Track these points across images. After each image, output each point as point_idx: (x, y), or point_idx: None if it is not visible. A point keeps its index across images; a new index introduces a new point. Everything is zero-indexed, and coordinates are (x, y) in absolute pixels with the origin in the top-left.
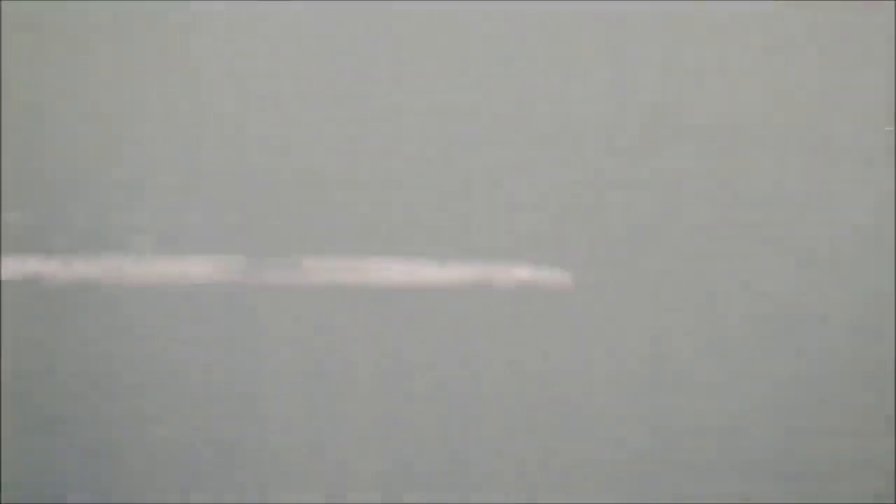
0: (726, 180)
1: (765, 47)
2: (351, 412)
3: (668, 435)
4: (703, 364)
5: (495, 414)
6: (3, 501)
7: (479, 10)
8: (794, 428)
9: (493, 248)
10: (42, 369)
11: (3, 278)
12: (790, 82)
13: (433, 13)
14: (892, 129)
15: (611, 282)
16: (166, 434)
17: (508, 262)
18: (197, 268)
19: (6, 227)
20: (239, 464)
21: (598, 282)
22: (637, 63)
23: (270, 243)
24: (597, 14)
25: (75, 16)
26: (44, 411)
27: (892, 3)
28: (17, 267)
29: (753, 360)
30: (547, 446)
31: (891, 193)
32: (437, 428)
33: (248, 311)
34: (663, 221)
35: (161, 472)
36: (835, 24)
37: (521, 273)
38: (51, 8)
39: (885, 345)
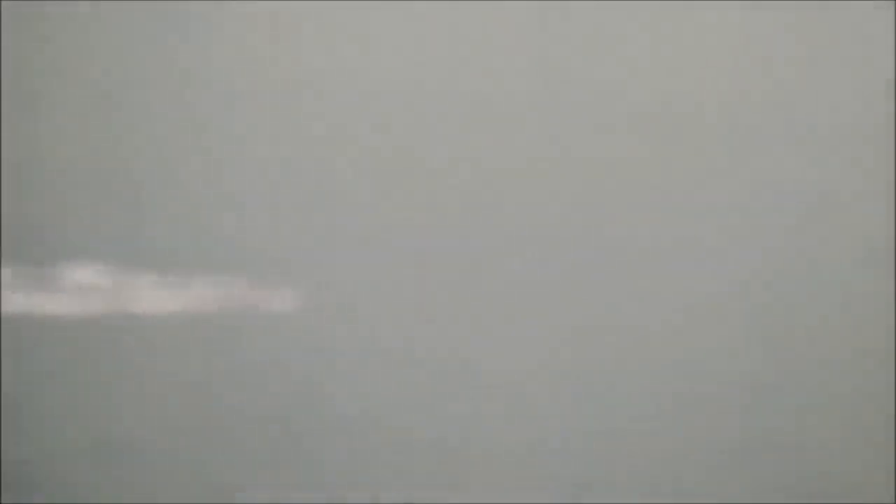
0: (723, 178)
1: (763, 46)
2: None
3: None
4: (698, 362)
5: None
6: (3, 501)
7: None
8: (795, 428)
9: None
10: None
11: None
12: (789, 82)
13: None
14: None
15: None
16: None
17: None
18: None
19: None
20: None
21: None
22: (628, 56)
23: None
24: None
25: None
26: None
27: (892, 2)
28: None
29: (748, 358)
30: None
31: (890, 192)
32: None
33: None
34: (657, 217)
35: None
36: (834, 23)
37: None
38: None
39: (885, 345)
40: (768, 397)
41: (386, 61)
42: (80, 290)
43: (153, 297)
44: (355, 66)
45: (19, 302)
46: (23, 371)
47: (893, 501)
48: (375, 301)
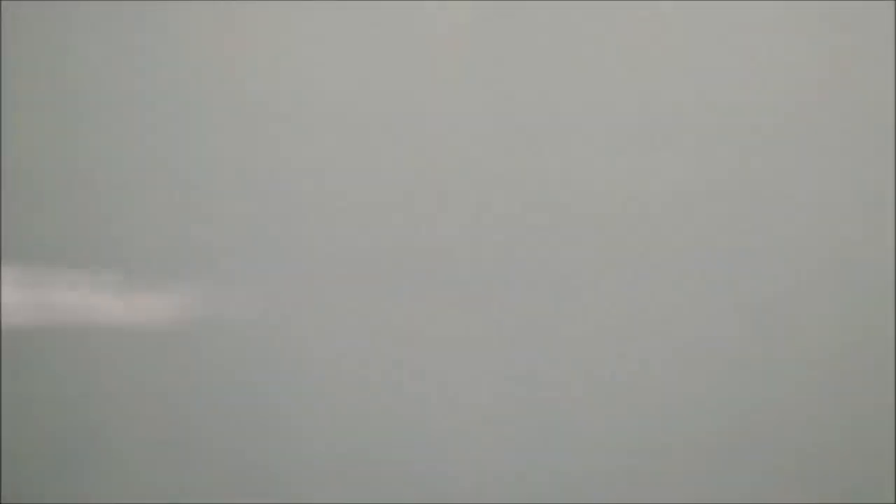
0: (723, 179)
1: (763, 46)
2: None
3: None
4: (697, 362)
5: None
6: (3, 501)
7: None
8: (793, 428)
9: None
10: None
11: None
12: (789, 82)
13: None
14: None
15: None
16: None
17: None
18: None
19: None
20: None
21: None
22: (632, 59)
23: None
24: (594, 10)
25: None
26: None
27: (892, 2)
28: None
29: (745, 360)
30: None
31: (890, 192)
32: None
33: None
34: (655, 219)
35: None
36: (835, 22)
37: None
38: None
39: (885, 345)
40: (768, 397)
41: (386, 61)
42: (78, 292)
43: (148, 301)
44: (355, 66)
45: (17, 304)
46: (21, 371)
47: (893, 501)
48: (368, 304)
